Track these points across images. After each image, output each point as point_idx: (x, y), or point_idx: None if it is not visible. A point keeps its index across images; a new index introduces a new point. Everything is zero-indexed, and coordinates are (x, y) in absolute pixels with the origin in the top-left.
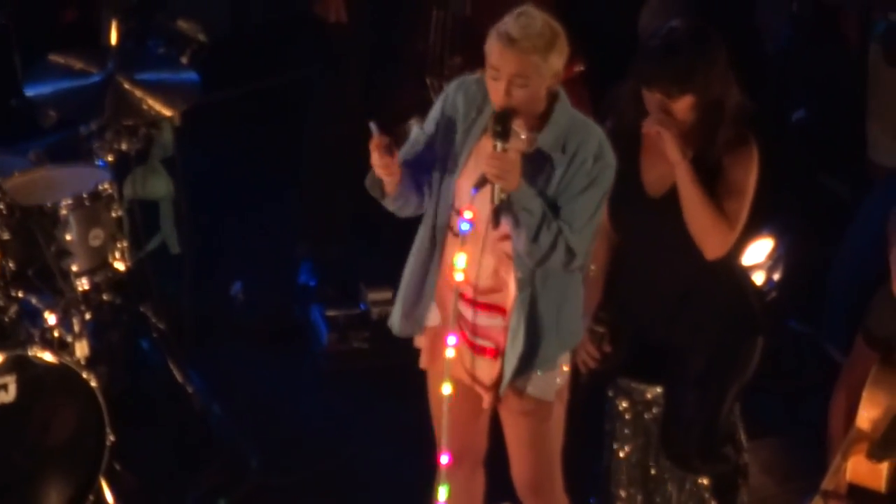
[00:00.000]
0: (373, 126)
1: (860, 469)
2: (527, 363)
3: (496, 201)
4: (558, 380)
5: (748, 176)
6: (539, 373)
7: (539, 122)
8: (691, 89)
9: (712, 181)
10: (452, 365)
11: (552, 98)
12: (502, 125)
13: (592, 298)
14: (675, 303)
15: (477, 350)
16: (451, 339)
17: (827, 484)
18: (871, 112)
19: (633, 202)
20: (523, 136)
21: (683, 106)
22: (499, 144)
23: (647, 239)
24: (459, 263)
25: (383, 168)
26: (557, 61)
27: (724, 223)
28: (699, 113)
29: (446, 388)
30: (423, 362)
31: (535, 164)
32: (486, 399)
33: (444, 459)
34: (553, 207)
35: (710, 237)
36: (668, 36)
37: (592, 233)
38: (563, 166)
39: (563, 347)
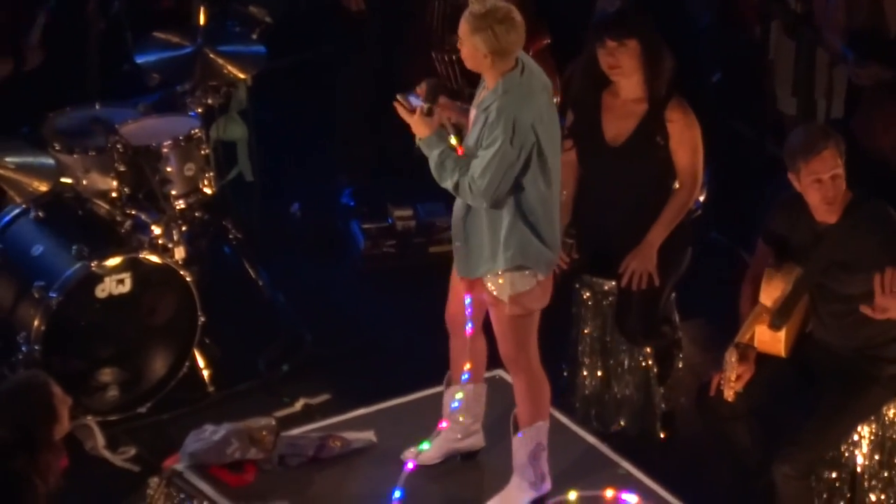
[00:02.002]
0: (413, 99)
1: (764, 338)
2: (465, 265)
3: (417, 145)
4: (509, 289)
5: (696, 133)
6: (488, 276)
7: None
8: (635, 33)
9: (663, 139)
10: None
11: (501, 73)
12: (430, 92)
13: (564, 217)
14: (626, 220)
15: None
16: None
17: (739, 339)
18: (776, 73)
19: (596, 149)
20: (421, 104)
21: (630, 52)
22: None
23: (606, 175)
24: None
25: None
26: (480, 43)
27: (688, 200)
28: (644, 61)
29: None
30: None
31: (476, 118)
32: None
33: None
34: (471, 151)
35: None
36: (610, 8)
37: (496, 181)
38: (480, 125)
39: (497, 264)
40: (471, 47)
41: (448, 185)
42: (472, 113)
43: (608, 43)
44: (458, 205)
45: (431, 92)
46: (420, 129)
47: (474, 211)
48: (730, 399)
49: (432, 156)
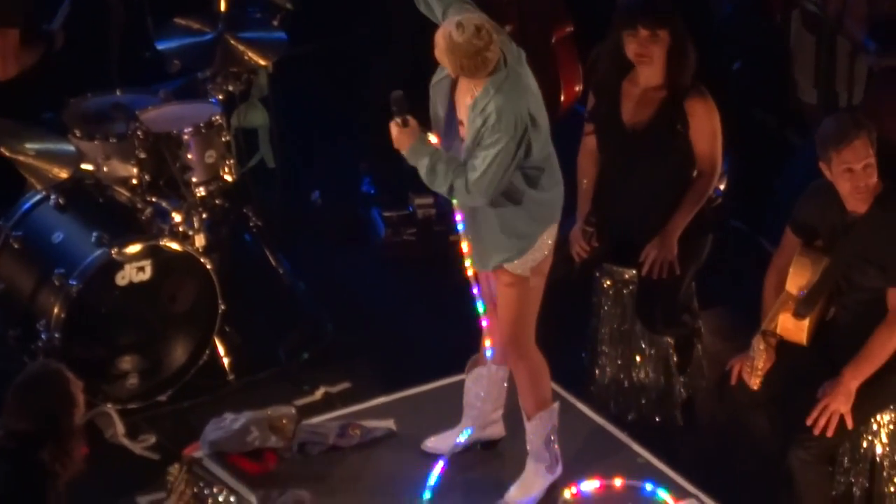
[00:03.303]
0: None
1: (787, 325)
2: (480, 258)
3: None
4: (531, 262)
5: (716, 121)
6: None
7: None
8: (668, 24)
9: (683, 127)
10: None
11: (485, 75)
12: (396, 106)
13: (584, 205)
14: (646, 208)
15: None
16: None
17: (766, 326)
18: (796, 63)
19: (616, 136)
20: (398, 119)
21: (661, 43)
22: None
23: (626, 162)
24: None
25: None
26: (453, 60)
27: (707, 188)
28: (672, 51)
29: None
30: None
31: (472, 120)
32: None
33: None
34: (470, 152)
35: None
36: None
37: (497, 179)
38: (478, 126)
39: (513, 252)
40: (446, 61)
41: (442, 189)
42: (460, 112)
43: (641, 32)
44: (463, 204)
45: (399, 104)
46: (402, 142)
47: (481, 211)
48: (755, 387)
49: (421, 165)
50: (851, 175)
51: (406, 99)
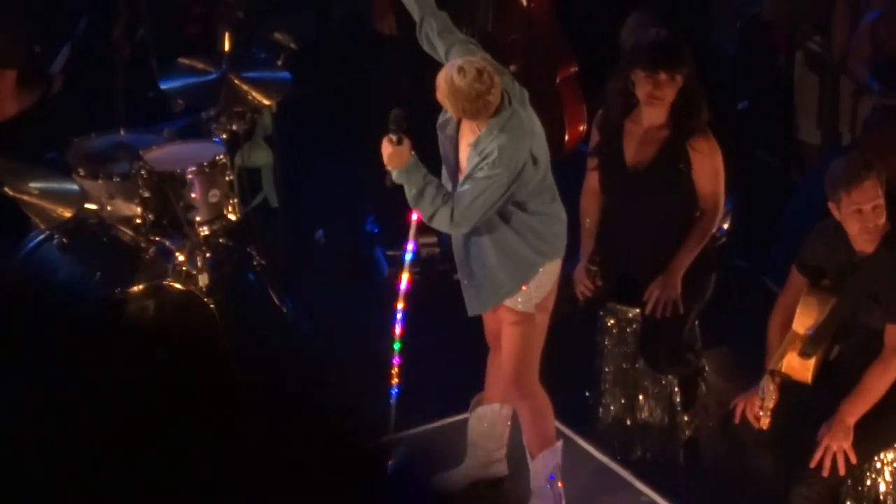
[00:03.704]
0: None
1: (793, 364)
2: (476, 302)
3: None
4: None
5: (718, 160)
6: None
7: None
8: (685, 70)
9: (686, 167)
10: None
11: (488, 116)
12: (394, 124)
13: (588, 244)
14: (650, 247)
15: None
16: None
17: (773, 366)
18: (798, 104)
19: (618, 175)
20: (392, 137)
21: (676, 86)
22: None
23: (629, 202)
24: None
25: None
26: (454, 103)
27: (710, 227)
28: (683, 93)
29: None
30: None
31: (471, 157)
32: None
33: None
34: (462, 184)
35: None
36: (658, 35)
37: (482, 211)
38: (474, 162)
39: (514, 288)
40: (453, 109)
41: (425, 214)
42: (462, 150)
43: (661, 75)
44: (457, 243)
45: (397, 122)
46: (393, 160)
47: (476, 245)
48: (765, 427)
49: (410, 186)
50: (861, 216)
51: (405, 119)
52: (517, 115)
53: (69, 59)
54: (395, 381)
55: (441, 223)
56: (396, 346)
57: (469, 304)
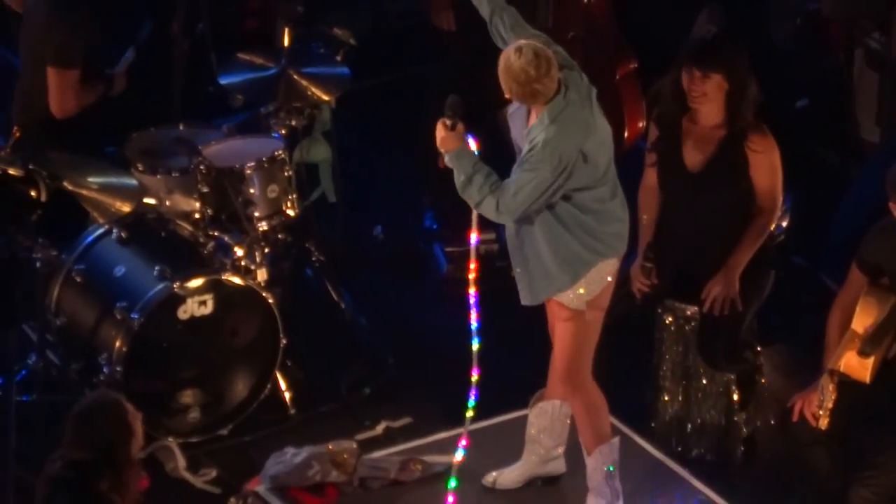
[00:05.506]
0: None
1: (852, 363)
2: (528, 292)
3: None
4: (586, 296)
5: (776, 158)
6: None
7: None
8: (722, 67)
9: (744, 166)
10: None
11: (543, 103)
12: (450, 109)
13: (645, 240)
14: (708, 245)
15: None
16: None
17: (832, 365)
18: (858, 101)
19: (676, 173)
20: (447, 121)
21: (714, 83)
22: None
23: (687, 200)
24: None
25: None
26: (505, 81)
27: (768, 224)
28: (728, 92)
29: None
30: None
31: (523, 148)
32: None
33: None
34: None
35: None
36: (706, 33)
37: (527, 203)
38: (525, 150)
39: (565, 282)
40: (504, 88)
41: (472, 201)
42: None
43: (694, 72)
44: (510, 233)
45: (453, 108)
46: (446, 144)
47: (529, 235)
48: (823, 426)
49: (460, 171)
50: None
51: (460, 105)
52: (571, 109)
53: (132, 62)
54: (475, 375)
55: (487, 211)
56: (475, 340)
57: (522, 292)
